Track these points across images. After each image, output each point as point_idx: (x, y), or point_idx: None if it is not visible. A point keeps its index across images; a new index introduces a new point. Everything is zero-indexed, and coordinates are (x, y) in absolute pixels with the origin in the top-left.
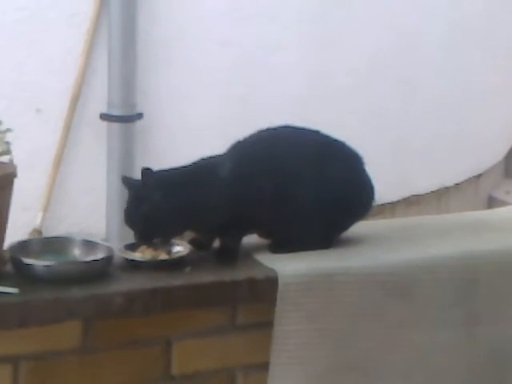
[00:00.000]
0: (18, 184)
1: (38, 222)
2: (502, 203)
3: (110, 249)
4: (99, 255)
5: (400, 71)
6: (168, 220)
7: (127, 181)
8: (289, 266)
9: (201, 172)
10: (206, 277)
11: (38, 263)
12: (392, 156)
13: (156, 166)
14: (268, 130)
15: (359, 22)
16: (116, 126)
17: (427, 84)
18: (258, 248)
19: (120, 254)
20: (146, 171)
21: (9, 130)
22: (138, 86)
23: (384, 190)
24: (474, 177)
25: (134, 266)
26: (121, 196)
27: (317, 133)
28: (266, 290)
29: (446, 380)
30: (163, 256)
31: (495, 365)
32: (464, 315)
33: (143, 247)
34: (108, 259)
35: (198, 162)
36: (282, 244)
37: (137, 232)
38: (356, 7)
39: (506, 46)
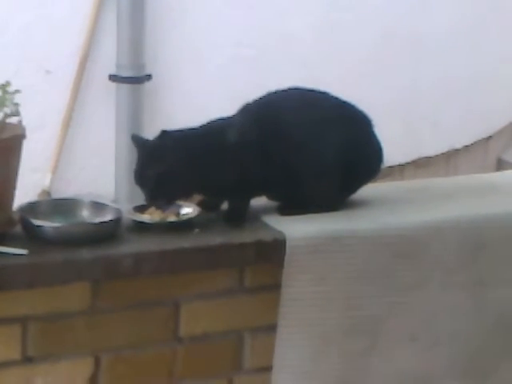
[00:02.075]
0: (26, 145)
1: (46, 183)
2: None
3: (118, 210)
4: (108, 217)
5: (411, 31)
6: (180, 181)
7: (137, 139)
8: (297, 229)
9: (211, 134)
10: (215, 239)
11: (47, 225)
12: (401, 118)
13: (164, 127)
14: (277, 92)
15: None
16: (125, 87)
17: (438, 45)
18: (266, 210)
19: (129, 215)
20: (165, 132)
21: (18, 91)
22: (146, 47)
23: (393, 152)
24: (484, 139)
25: (142, 227)
26: (129, 158)
27: (326, 95)
28: (274, 252)
29: (452, 343)
30: (172, 218)
31: (502, 328)
32: (470, 278)
33: (152, 209)
34: (117, 221)
35: (208, 124)
36: (291, 206)
37: (147, 191)
38: None
39: None
